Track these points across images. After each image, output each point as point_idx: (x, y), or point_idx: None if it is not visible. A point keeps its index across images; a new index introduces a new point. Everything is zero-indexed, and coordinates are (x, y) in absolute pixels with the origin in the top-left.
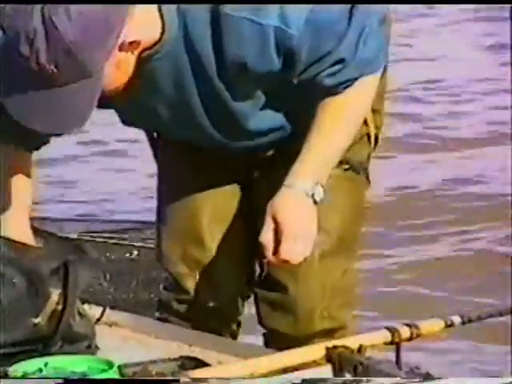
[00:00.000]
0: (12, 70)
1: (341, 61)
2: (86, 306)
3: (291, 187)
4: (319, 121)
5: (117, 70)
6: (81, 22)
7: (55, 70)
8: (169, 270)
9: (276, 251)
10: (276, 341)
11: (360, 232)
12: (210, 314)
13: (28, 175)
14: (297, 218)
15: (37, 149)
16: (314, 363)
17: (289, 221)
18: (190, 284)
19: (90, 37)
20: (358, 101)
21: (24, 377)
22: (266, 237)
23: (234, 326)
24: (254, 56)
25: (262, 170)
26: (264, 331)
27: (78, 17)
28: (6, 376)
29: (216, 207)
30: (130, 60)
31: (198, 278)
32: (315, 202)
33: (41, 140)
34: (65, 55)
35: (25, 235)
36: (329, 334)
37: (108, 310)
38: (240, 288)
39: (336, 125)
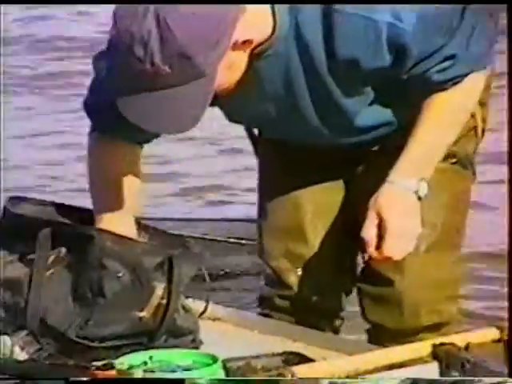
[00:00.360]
0: (125, 72)
1: (451, 57)
2: (189, 301)
3: (395, 183)
4: (425, 117)
5: (229, 70)
6: (194, 23)
7: (169, 71)
8: (271, 265)
9: (378, 247)
10: (380, 336)
11: (465, 226)
12: (312, 310)
13: (137, 171)
14: (400, 215)
15: (147, 142)
16: (420, 360)
17: (392, 217)
18: (292, 279)
19: (204, 38)
20: (466, 97)
21: (130, 369)
22: (369, 232)
23: (337, 322)
24: (365, 52)
25: (365, 166)
26: (367, 327)
27: (192, 18)
28: (112, 368)
29: (318, 203)
30: (242, 59)
31: (300, 273)
32: (419, 198)
33: (152, 134)
34: (179, 56)
35: (129, 231)
36: (435, 328)
37: (211, 305)
38: (342, 283)
39: (442, 121)
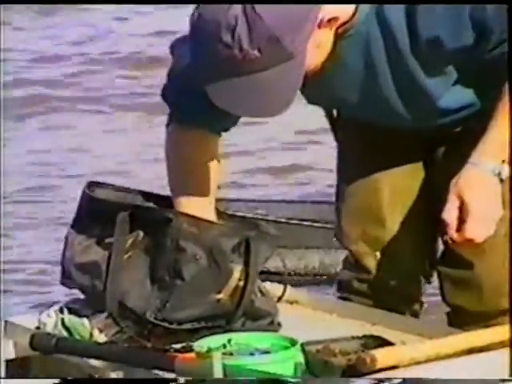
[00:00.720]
0: (212, 59)
1: None
2: (267, 284)
3: (477, 165)
4: (506, 99)
5: (317, 49)
6: (284, 9)
7: (258, 55)
8: (349, 248)
9: (459, 229)
10: (460, 319)
11: None
12: (390, 293)
13: (217, 158)
14: (483, 197)
15: (226, 130)
16: (501, 344)
17: (475, 200)
18: (371, 263)
19: (291, 18)
20: None
21: (208, 352)
22: (450, 215)
23: (416, 306)
24: (449, 31)
25: (446, 148)
26: (447, 310)
27: (282, 6)
28: (191, 350)
29: (396, 186)
30: (328, 38)
31: (378, 257)
32: (501, 181)
33: (232, 121)
34: (267, 40)
35: (209, 215)
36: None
37: (289, 288)
38: (422, 266)
39: None
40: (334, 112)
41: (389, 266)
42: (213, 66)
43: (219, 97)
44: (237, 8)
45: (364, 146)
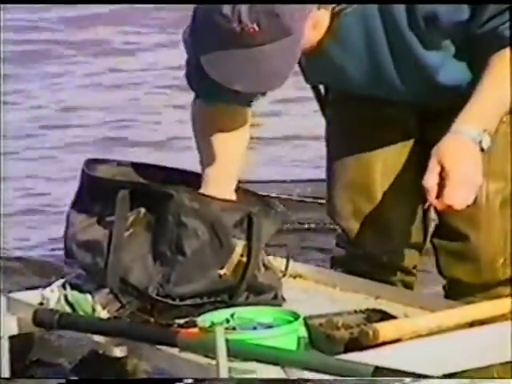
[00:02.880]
0: (211, 32)
1: None
2: (270, 258)
3: (458, 133)
4: (491, 71)
5: (314, 29)
6: None
7: (257, 28)
8: (341, 225)
9: (439, 196)
10: (457, 290)
11: None
12: (384, 268)
13: (244, 132)
14: (463, 164)
15: (250, 102)
16: (503, 317)
17: (455, 166)
18: (362, 239)
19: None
20: None
21: (211, 327)
22: (430, 180)
23: (409, 278)
24: (446, 7)
25: (437, 125)
26: (443, 284)
27: None
28: (194, 326)
29: (388, 162)
30: (325, 17)
31: (370, 232)
32: (482, 150)
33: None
34: (267, 14)
35: (231, 195)
36: (509, 282)
37: (292, 262)
38: (415, 240)
39: (508, 75)
40: (322, 88)
41: (381, 241)
42: (211, 39)
43: (216, 70)
44: None
45: (355, 122)
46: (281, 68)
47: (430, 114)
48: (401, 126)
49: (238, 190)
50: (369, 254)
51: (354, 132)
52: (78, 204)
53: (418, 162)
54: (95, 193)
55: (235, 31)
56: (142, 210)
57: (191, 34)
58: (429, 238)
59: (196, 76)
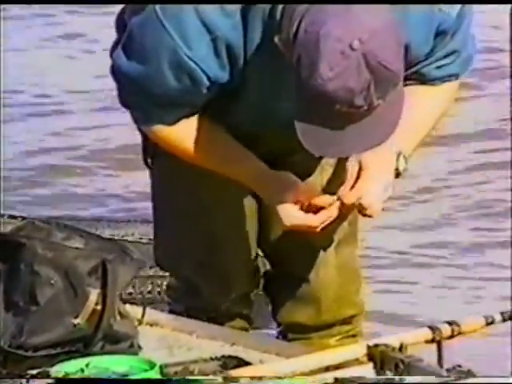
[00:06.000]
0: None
1: (453, 52)
2: (127, 306)
3: (378, 148)
4: (410, 100)
5: None
6: (397, 49)
7: (381, 102)
8: (179, 277)
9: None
10: (295, 332)
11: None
12: (222, 316)
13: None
14: (381, 169)
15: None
16: (356, 362)
17: (372, 164)
18: (202, 290)
19: (400, 54)
20: (447, 95)
21: (66, 377)
22: (349, 173)
23: (244, 323)
24: (417, 37)
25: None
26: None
27: (394, 45)
28: (48, 377)
29: (229, 212)
30: None
31: (211, 284)
32: (397, 175)
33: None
34: (393, 86)
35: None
36: (348, 320)
37: (149, 310)
38: (252, 287)
39: (424, 108)
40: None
41: (219, 290)
42: (321, 120)
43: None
44: (365, 71)
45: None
46: (391, 122)
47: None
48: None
49: (92, 236)
50: (208, 305)
51: (191, 178)
52: None
53: (252, 212)
54: None
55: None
56: None
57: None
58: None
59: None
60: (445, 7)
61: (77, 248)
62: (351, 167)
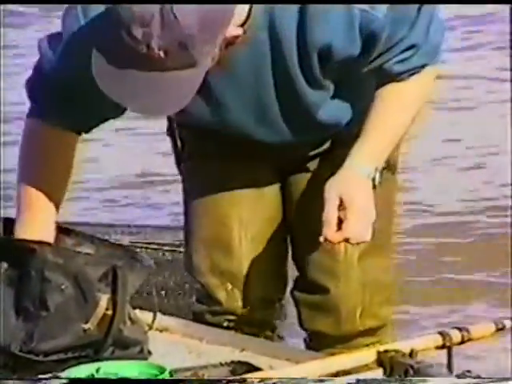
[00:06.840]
0: (113, 47)
1: (412, 46)
2: (137, 311)
3: (352, 169)
4: (379, 105)
5: (211, 62)
6: (200, 16)
7: (163, 56)
8: (200, 281)
9: (339, 228)
10: (319, 342)
11: (394, 230)
12: (243, 323)
13: (71, 164)
14: (360, 199)
15: (89, 131)
16: (366, 367)
17: (353, 200)
18: (222, 295)
19: (206, 31)
20: (420, 88)
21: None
22: (331, 212)
23: (268, 331)
24: (339, 39)
25: (299, 176)
26: (305, 335)
27: (198, 11)
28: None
29: (245, 217)
30: (222, 51)
31: (230, 288)
32: (374, 187)
33: (96, 121)
34: (177, 45)
35: (48, 236)
36: (371, 332)
37: (159, 316)
38: (274, 293)
39: (395, 110)
40: (179, 143)
41: (239, 296)
42: (111, 54)
43: (110, 87)
44: (156, 6)
45: (211, 177)
46: (180, 96)
47: (294, 164)
48: (259, 180)
49: (102, 242)
50: (227, 310)
51: (209, 188)
52: None
53: (274, 218)
54: None
55: (140, 54)
56: (4, 264)
57: (71, 41)
58: (288, 292)
59: (44, 89)
60: (368, 8)
61: (87, 254)
62: (331, 203)
